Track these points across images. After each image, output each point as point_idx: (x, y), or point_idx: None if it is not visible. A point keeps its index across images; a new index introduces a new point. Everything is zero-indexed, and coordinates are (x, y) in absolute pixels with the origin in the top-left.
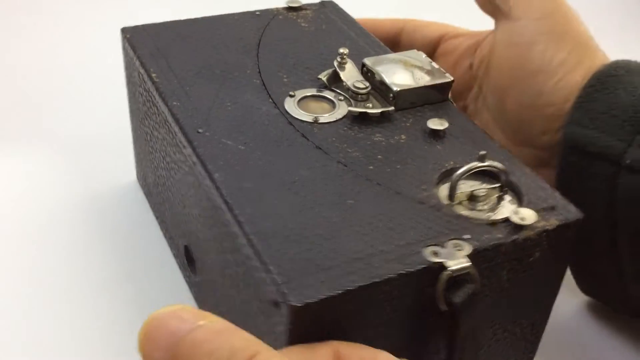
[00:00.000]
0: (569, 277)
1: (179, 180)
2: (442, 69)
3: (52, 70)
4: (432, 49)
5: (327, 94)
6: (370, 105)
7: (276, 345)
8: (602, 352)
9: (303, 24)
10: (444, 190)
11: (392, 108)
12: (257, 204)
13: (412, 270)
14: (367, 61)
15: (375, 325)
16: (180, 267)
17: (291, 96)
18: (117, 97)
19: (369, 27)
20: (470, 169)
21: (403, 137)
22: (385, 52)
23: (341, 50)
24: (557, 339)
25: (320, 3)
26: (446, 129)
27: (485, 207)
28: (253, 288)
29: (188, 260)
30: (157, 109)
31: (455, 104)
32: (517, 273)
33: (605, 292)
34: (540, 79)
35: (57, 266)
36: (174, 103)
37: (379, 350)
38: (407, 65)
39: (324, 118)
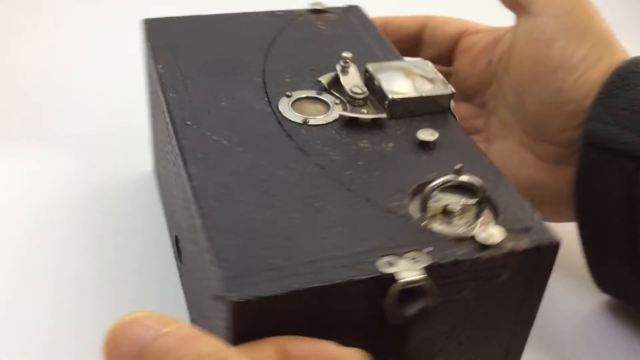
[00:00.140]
0: (585, 274)
1: (169, 171)
2: (445, 80)
3: (71, 64)
4: (453, 45)
5: (325, 96)
6: (365, 111)
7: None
8: (620, 350)
9: (321, 27)
10: (417, 202)
11: (384, 115)
12: (223, 199)
13: (362, 278)
14: (370, 67)
15: (326, 331)
16: (175, 258)
17: (287, 96)
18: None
19: (391, 26)
20: (444, 182)
21: (390, 145)
22: (398, 59)
23: (344, 55)
24: (574, 337)
25: (345, 7)
26: (437, 140)
27: (461, 222)
28: (208, 282)
29: (177, 250)
30: (159, 99)
31: (474, 101)
32: (484, 293)
33: (623, 289)
34: (561, 75)
35: (71, 257)
36: (171, 94)
37: (326, 341)
38: (409, 74)
39: (315, 120)
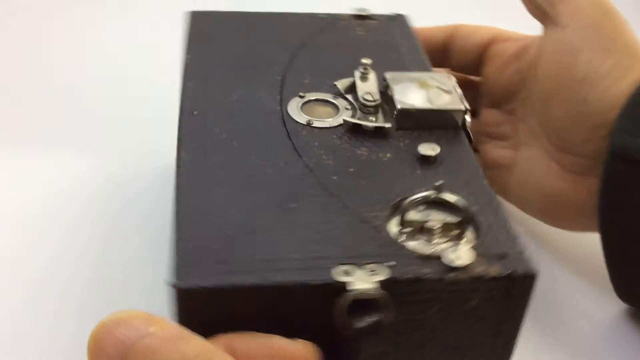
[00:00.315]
0: (607, 284)
1: None
2: (462, 96)
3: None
4: (482, 52)
5: (338, 101)
6: (374, 119)
7: None
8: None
9: (360, 32)
10: (396, 215)
11: (389, 125)
12: (202, 189)
13: (313, 283)
14: (388, 75)
15: (277, 332)
16: None
17: (300, 97)
18: None
19: (421, 37)
20: (423, 198)
21: (388, 155)
22: (427, 70)
23: (363, 61)
24: (595, 347)
25: (391, 15)
26: (438, 156)
27: (441, 241)
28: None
29: None
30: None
31: (503, 108)
32: (453, 316)
33: None
34: (586, 87)
35: (89, 252)
36: (189, 83)
37: (274, 335)
38: (425, 86)
39: (319, 122)
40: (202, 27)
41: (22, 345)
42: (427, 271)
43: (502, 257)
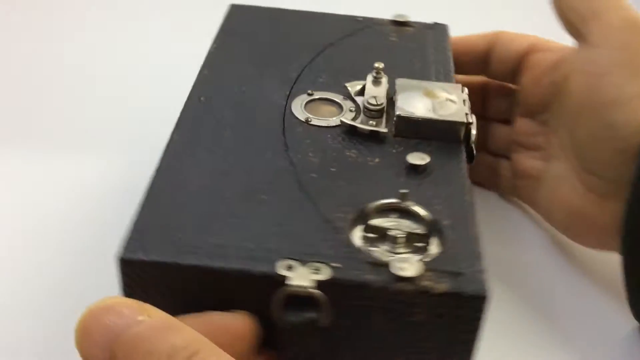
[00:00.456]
0: (622, 302)
1: None
2: (468, 110)
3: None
4: (520, 61)
5: (344, 102)
6: (374, 123)
7: None
8: None
9: (392, 38)
10: (361, 220)
11: (385, 130)
12: (180, 172)
13: (253, 273)
14: (398, 82)
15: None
16: None
17: (309, 94)
18: None
19: (461, 46)
20: (386, 205)
21: (377, 160)
22: (448, 81)
23: (376, 65)
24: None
25: (429, 24)
26: (427, 166)
27: (403, 251)
28: None
29: None
30: None
31: (537, 118)
32: (400, 328)
33: None
34: (612, 111)
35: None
36: (205, 72)
37: (210, 312)
38: (431, 95)
39: (318, 121)
40: (236, 19)
41: (23, 345)
42: (371, 277)
43: (456, 274)
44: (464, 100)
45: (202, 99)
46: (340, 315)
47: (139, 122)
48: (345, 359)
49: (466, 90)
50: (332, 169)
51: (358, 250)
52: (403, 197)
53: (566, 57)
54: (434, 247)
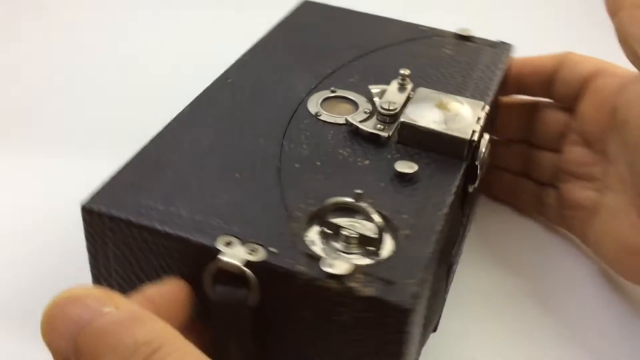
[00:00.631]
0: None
1: None
2: (477, 128)
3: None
4: (584, 85)
5: (363, 103)
6: (382, 127)
7: None
8: None
9: (446, 51)
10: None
11: (385, 134)
12: (172, 142)
13: (190, 241)
14: (419, 91)
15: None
16: None
17: (332, 91)
18: None
19: (528, 66)
20: (339, 203)
21: (366, 162)
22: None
23: (401, 72)
24: None
25: (493, 42)
26: (415, 176)
27: (355, 251)
28: None
29: None
30: None
31: (594, 148)
32: (327, 326)
33: None
34: None
35: None
36: (245, 57)
37: (145, 286)
38: (443, 108)
39: (327, 117)
40: (301, 14)
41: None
42: (301, 268)
43: (387, 282)
44: (478, 118)
45: (229, 80)
46: (271, 300)
47: (140, 122)
48: (275, 346)
49: (487, 108)
50: (318, 163)
51: (302, 241)
52: (357, 197)
53: (631, 85)
54: (385, 253)
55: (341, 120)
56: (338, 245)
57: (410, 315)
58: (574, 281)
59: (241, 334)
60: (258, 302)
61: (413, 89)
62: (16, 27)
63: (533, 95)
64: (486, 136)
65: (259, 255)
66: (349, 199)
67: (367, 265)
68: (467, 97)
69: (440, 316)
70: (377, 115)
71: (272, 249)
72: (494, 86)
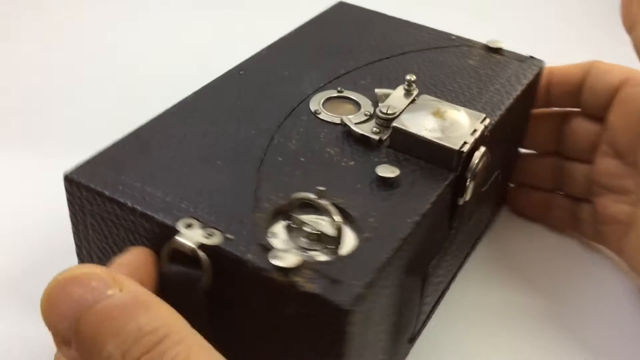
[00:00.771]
0: None
1: None
2: (470, 139)
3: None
4: (612, 95)
5: (366, 104)
6: (378, 130)
7: None
8: None
9: (470, 62)
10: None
11: (376, 137)
12: (166, 127)
13: (154, 218)
14: (422, 97)
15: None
16: None
17: (338, 91)
18: None
19: (557, 75)
20: (303, 198)
21: (351, 163)
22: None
23: (408, 77)
24: None
25: (523, 56)
26: (395, 181)
27: (315, 247)
28: None
29: None
30: None
31: (626, 160)
32: (274, 319)
33: None
34: None
35: None
36: (263, 52)
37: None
38: (439, 116)
39: (325, 115)
40: (332, 14)
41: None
42: (250, 257)
43: (333, 281)
44: (474, 130)
45: (241, 72)
46: (224, 285)
47: (140, 122)
48: (228, 331)
49: (487, 121)
50: (302, 159)
51: (262, 232)
52: (319, 194)
53: None
54: (343, 253)
55: (338, 120)
56: (302, 240)
57: (349, 316)
58: (612, 300)
59: (195, 314)
60: (211, 285)
61: (418, 95)
62: (16, 27)
63: (561, 106)
64: (482, 149)
65: (214, 239)
66: (311, 195)
67: (319, 262)
68: (477, 109)
69: (418, 328)
70: (376, 118)
71: (229, 236)
72: (509, 100)
